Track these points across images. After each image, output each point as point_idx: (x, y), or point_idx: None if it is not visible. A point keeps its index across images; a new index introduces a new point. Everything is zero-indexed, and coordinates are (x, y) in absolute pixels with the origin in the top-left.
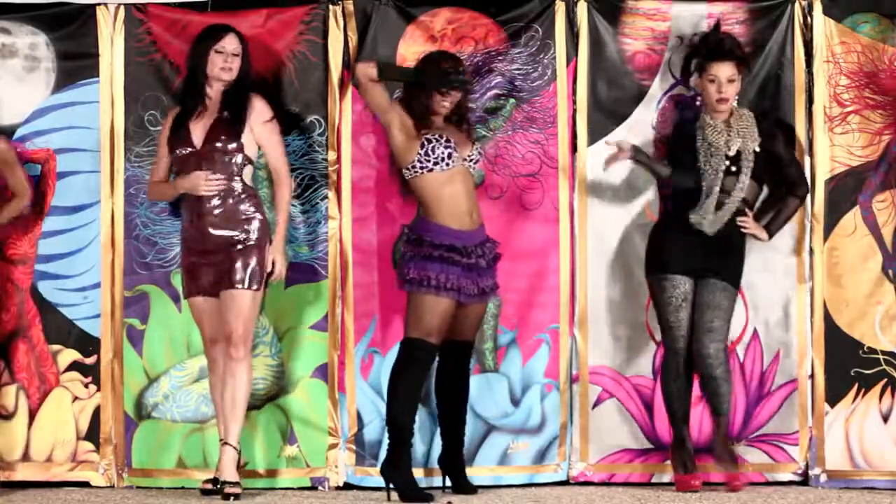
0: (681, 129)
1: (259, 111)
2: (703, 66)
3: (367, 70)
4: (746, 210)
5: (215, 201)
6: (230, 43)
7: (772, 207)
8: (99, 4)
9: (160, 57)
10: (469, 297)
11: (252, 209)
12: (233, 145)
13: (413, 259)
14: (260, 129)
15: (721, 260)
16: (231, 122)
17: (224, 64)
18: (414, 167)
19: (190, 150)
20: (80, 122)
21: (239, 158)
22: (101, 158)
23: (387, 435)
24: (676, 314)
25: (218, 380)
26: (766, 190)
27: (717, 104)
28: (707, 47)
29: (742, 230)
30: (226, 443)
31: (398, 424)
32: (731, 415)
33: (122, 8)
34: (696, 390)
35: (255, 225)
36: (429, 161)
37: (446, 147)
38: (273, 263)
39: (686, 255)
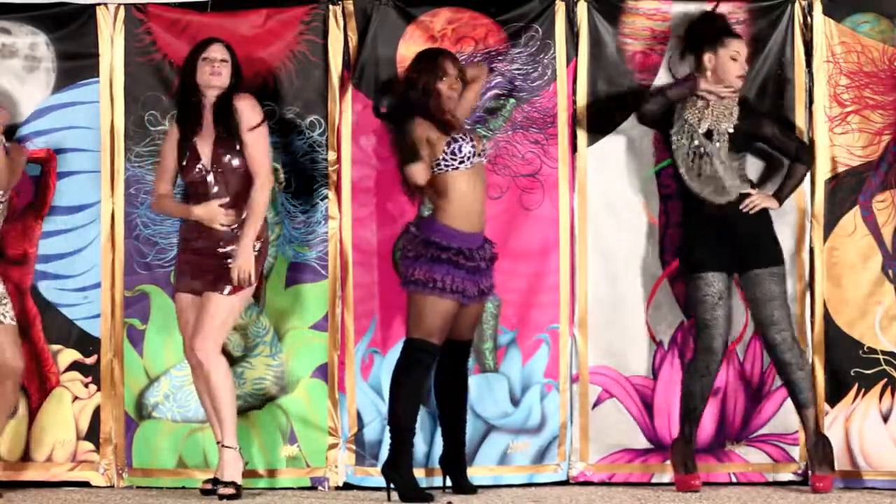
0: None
1: (247, 118)
2: (723, 43)
3: (415, 172)
4: (748, 191)
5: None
6: (216, 51)
7: (776, 175)
8: (99, 4)
9: (160, 57)
10: (470, 299)
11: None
12: (236, 161)
13: (419, 259)
14: (247, 135)
15: (755, 246)
16: (227, 137)
17: (213, 69)
18: (438, 165)
19: (202, 169)
20: (81, 122)
21: (244, 171)
22: (102, 158)
23: (388, 435)
24: (713, 312)
25: (202, 384)
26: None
27: (736, 80)
28: (717, 27)
29: (751, 210)
30: (221, 444)
31: (400, 425)
32: (814, 406)
33: (122, 8)
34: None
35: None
36: (455, 159)
37: (472, 146)
38: (248, 276)
39: (717, 251)
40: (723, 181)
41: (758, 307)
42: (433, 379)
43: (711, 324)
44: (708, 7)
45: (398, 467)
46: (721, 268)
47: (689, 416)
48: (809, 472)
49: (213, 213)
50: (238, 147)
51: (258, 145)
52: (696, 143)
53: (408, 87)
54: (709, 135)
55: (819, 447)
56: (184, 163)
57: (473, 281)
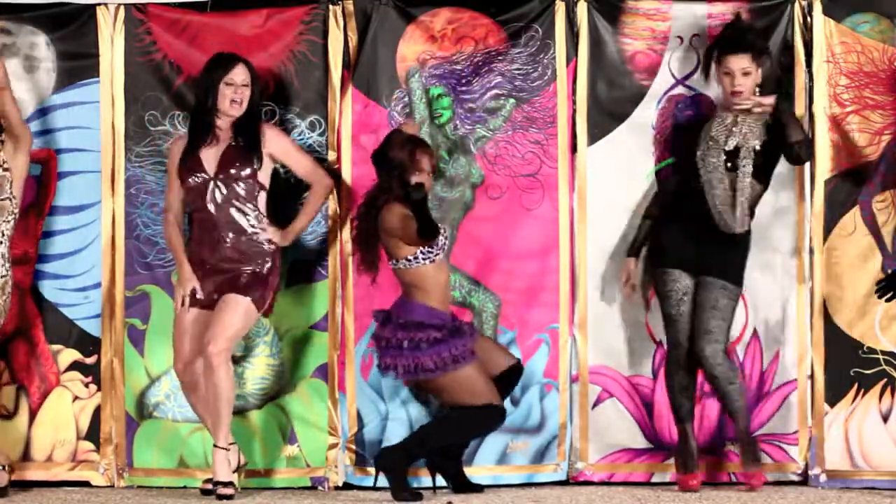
0: (680, 126)
1: (272, 138)
2: (719, 59)
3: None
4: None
5: (230, 236)
6: (239, 74)
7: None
8: (99, 4)
9: (160, 57)
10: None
11: (265, 242)
12: (246, 171)
13: (419, 348)
14: (278, 151)
15: (719, 257)
16: (245, 149)
17: (234, 96)
18: (416, 258)
19: (203, 177)
20: (81, 122)
21: (252, 185)
22: (102, 158)
23: (411, 441)
24: (678, 308)
25: (198, 399)
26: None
27: (731, 97)
28: (724, 39)
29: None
30: (215, 445)
31: (431, 448)
32: (746, 412)
33: (122, 8)
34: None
35: (268, 261)
36: (431, 252)
37: (444, 236)
38: (273, 238)
39: (682, 250)
40: (745, 200)
41: (698, 312)
42: None
43: (677, 318)
44: (704, 9)
45: (402, 466)
46: (684, 267)
47: (677, 413)
48: (742, 469)
49: (186, 282)
50: (255, 161)
51: (302, 160)
52: (725, 158)
53: (391, 169)
54: (736, 152)
55: (750, 446)
56: (183, 173)
57: (470, 338)
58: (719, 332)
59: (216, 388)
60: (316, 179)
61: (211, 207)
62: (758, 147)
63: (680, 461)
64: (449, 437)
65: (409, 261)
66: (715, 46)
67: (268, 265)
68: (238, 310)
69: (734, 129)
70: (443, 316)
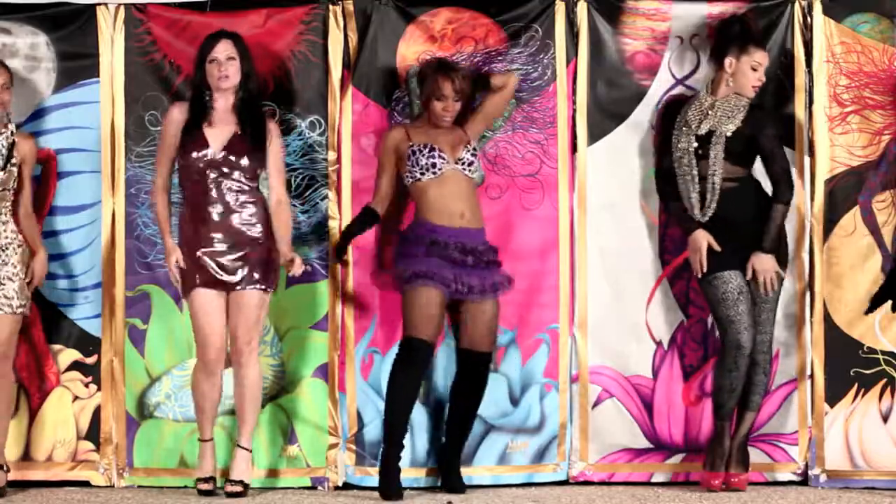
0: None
1: (274, 136)
2: (746, 50)
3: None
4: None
5: (217, 210)
6: (221, 50)
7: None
8: (99, 4)
9: (160, 57)
10: (453, 293)
11: (255, 214)
12: (245, 163)
13: (397, 258)
14: (271, 150)
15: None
16: (252, 141)
17: (219, 72)
18: (406, 177)
19: (206, 156)
20: (81, 122)
21: (250, 175)
22: (102, 158)
23: (383, 434)
24: (736, 308)
25: (205, 382)
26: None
27: (751, 90)
28: (749, 31)
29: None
30: (238, 445)
31: (385, 420)
32: (758, 411)
33: (122, 8)
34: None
35: (259, 228)
36: (415, 170)
37: (430, 157)
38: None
39: (727, 250)
40: (716, 187)
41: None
42: (451, 384)
43: (736, 319)
44: (704, 9)
45: (383, 461)
46: (735, 266)
47: (718, 411)
48: (725, 469)
49: (169, 255)
50: (259, 155)
51: (281, 163)
52: (696, 144)
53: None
54: (708, 136)
55: (742, 450)
56: (186, 146)
57: (454, 273)
58: (768, 323)
59: (243, 386)
60: (282, 196)
61: (209, 185)
62: (729, 133)
63: (709, 459)
64: (391, 398)
65: (406, 177)
66: (740, 38)
67: (258, 233)
68: (251, 305)
69: (710, 111)
70: (437, 230)
